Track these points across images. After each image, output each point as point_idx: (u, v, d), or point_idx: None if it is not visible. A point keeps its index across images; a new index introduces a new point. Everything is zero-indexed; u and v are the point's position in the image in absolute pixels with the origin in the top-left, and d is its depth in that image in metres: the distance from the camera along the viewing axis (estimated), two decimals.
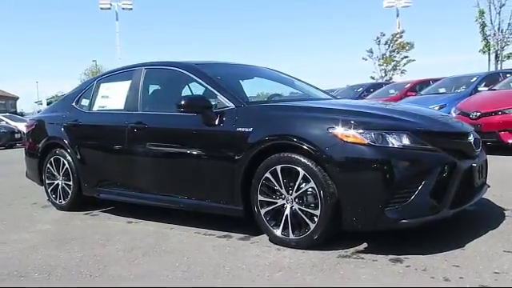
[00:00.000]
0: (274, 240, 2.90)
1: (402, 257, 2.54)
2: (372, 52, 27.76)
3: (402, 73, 27.90)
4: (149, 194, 3.66)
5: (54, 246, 3.17)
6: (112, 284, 2.42)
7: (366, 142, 2.59)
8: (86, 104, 4.38)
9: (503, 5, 20.99)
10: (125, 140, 3.74)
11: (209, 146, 3.22)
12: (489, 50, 21.74)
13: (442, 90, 10.03)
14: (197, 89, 3.83)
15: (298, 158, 2.75)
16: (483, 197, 3.27)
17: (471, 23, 21.96)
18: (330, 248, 2.73)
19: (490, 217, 3.29)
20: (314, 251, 2.71)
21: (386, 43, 27.57)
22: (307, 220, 2.74)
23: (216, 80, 3.47)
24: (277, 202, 2.87)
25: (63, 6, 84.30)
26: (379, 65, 27.90)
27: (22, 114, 31.77)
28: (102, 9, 35.39)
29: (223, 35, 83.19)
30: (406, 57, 27.65)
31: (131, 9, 35.92)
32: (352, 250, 2.72)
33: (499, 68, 20.19)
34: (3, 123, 17.75)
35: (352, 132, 2.63)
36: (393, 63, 27.69)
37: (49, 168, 4.44)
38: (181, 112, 3.28)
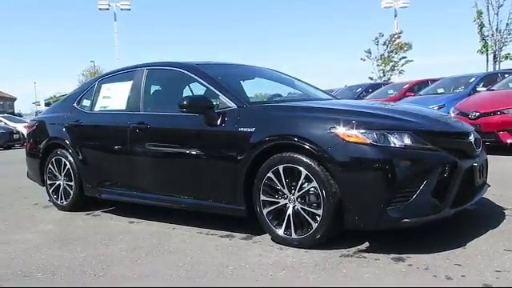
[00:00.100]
0: (277, 239, 2.92)
1: (404, 256, 2.56)
2: (370, 52, 27.87)
3: (400, 73, 28.02)
4: (151, 194, 3.67)
5: (56, 246, 3.18)
6: (117, 284, 2.44)
7: (368, 141, 2.61)
8: (88, 104, 4.39)
9: (501, 5, 21.13)
10: (126, 140, 3.75)
11: (211, 146, 3.23)
12: (487, 50, 21.81)
13: (440, 91, 10.08)
14: (198, 89, 3.85)
15: (301, 157, 2.77)
16: (483, 196, 3.29)
17: (470, 24, 22.09)
18: (333, 247, 2.74)
19: (491, 216, 3.32)
20: (316, 250, 2.73)
21: (385, 44, 27.65)
22: (309, 219, 2.76)
23: (218, 80, 3.49)
24: (279, 202, 2.89)
25: (61, 7, 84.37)
26: (377, 65, 28.00)
27: (19, 115, 31.72)
28: (100, 9, 35.28)
29: (222, 35, 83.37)
30: (404, 57, 27.75)
31: (129, 9, 35.79)
32: (354, 249, 2.74)
33: (497, 68, 20.26)
34: (2, 124, 17.70)
35: (354, 132, 2.64)
36: (391, 64, 27.76)
37: (50, 168, 4.45)
38: (183, 112, 3.30)
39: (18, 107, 53.37)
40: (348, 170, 2.64)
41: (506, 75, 9.15)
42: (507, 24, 21.33)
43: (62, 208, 4.36)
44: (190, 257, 2.78)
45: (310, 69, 64.80)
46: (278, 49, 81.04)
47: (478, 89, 8.92)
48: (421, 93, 10.72)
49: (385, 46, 27.67)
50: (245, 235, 3.15)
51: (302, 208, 2.80)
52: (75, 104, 4.45)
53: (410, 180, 2.59)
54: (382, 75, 27.88)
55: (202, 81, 3.56)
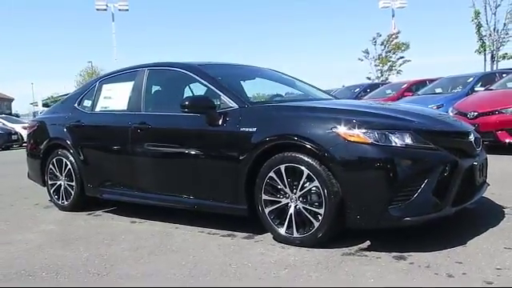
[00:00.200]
0: (278, 238, 2.94)
1: (405, 254, 2.59)
2: (368, 53, 27.98)
3: (397, 73, 28.10)
4: (152, 194, 3.68)
5: (59, 245, 3.19)
6: (122, 283, 2.45)
7: (370, 141, 2.63)
8: (89, 105, 4.40)
9: (499, 5, 21.23)
10: (128, 140, 3.76)
11: (212, 146, 3.25)
12: (484, 50, 21.90)
13: (438, 90, 10.12)
14: (198, 89, 3.87)
15: (302, 157, 2.79)
16: (483, 195, 3.32)
17: (467, 24, 22.12)
18: (334, 246, 2.76)
19: (490, 215, 3.34)
20: (318, 249, 2.74)
21: (382, 44, 27.72)
22: (311, 218, 2.78)
23: (219, 80, 3.51)
24: (281, 201, 2.91)
25: (59, 7, 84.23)
26: (375, 65, 28.06)
27: (17, 116, 31.60)
28: (97, 10, 35.29)
29: (222, 36, 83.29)
30: (402, 57, 27.85)
31: (127, 10, 35.84)
32: (356, 247, 2.76)
33: (495, 68, 20.33)
34: (0, 125, 17.67)
35: (356, 131, 2.67)
36: (389, 64, 27.84)
37: (51, 169, 4.46)
38: (184, 112, 3.31)
39: (15, 108, 53.32)
40: (350, 169, 2.66)
41: (504, 75, 9.20)
42: (505, 24, 21.48)
43: (63, 208, 4.37)
44: (193, 256, 2.80)
45: (309, 69, 64.90)
46: (277, 49, 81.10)
47: (476, 88, 8.97)
48: (419, 93, 10.76)
49: (382, 46, 27.76)
50: (246, 234, 3.17)
51: (303, 207, 2.81)
52: (76, 104, 4.46)
53: (411, 179, 2.61)
54: (379, 75, 27.96)
55: (203, 81, 3.57)
